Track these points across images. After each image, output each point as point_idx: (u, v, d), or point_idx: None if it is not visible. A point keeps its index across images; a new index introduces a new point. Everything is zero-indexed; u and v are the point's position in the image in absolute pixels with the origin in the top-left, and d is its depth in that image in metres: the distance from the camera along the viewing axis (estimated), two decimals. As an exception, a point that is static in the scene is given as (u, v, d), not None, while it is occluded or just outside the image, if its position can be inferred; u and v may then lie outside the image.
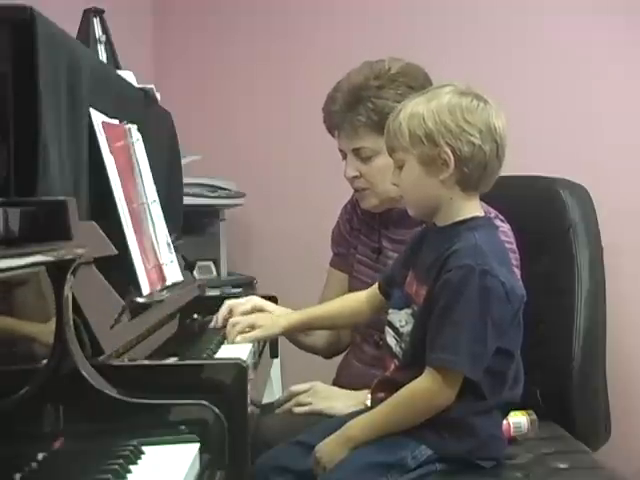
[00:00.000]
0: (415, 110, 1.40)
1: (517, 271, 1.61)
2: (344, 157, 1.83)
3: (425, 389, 1.36)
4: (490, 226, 1.47)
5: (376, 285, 1.63)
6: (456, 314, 1.33)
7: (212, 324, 1.74)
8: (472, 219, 1.42)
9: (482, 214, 1.45)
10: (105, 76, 1.61)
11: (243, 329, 1.61)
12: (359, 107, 1.75)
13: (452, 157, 1.37)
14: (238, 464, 1.15)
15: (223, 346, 1.58)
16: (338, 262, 2.00)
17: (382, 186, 1.77)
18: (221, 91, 2.94)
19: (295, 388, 1.80)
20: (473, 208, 1.43)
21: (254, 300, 1.75)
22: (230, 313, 1.71)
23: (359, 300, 1.67)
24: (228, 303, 1.74)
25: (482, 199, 1.48)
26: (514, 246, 1.70)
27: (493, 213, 1.70)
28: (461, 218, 1.42)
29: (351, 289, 1.91)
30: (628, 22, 2.64)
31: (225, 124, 2.93)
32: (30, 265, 0.96)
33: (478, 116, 1.38)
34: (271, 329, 1.65)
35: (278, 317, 1.70)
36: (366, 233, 1.92)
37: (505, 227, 1.72)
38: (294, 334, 1.88)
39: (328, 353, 2.05)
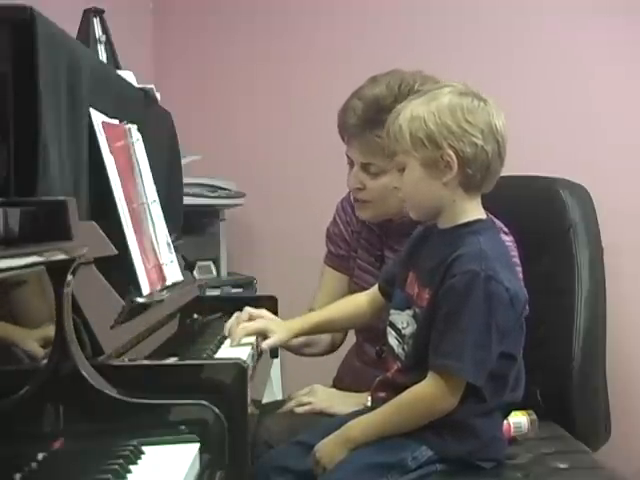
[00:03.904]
0: (415, 112, 1.39)
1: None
2: (350, 164, 1.79)
3: (428, 394, 1.35)
4: (493, 229, 1.47)
5: (376, 287, 1.63)
6: (461, 320, 1.33)
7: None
8: (475, 222, 1.41)
9: (484, 216, 1.44)
10: (105, 76, 1.61)
11: (249, 334, 1.58)
12: (378, 127, 1.62)
13: (455, 159, 1.36)
14: (238, 464, 1.15)
15: (223, 346, 1.58)
16: (338, 263, 1.97)
17: (383, 203, 1.75)
18: (221, 91, 2.94)
19: (295, 394, 1.80)
20: (476, 210, 1.43)
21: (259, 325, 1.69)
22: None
23: (360, 302, 1.66)
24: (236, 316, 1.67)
25: (482, 200, 1.48)
26: (517, 259, 1.68)
27: (497, 226, 1.68)
28: (464, 221, 1.41)
29: (351, 294, 1.91)
30: (628, 22, 2.64)
31: (225, 124, 2.93)
32: (30, 265, 0.96)
33: (479, 116, 1.37)
34: (280, 338, 1.59)
35: (287, 323, 1.66)
36: (367, 237, 1.90)
37: (508, 240, 1.70)
38: (294, 346, 1.85)
39: (326, 353, 2.04)
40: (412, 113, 1.39)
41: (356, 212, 1.86)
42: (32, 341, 1.06)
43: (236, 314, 1.65)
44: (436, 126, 1.37)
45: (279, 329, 1.60)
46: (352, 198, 1.85)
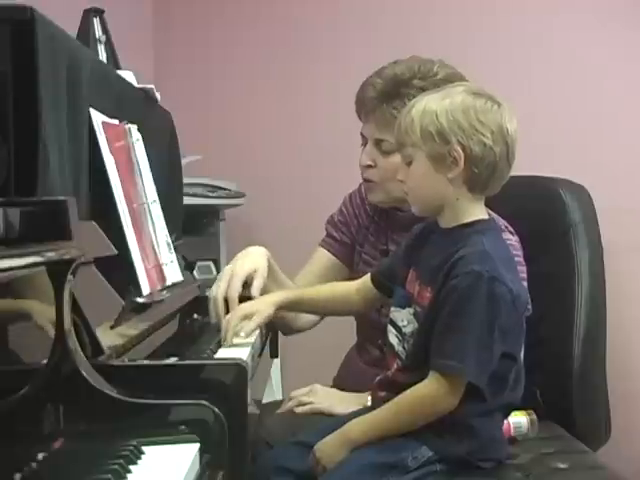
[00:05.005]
0: (428, 107, 1.40)
1: (524, 284, 1.60)
2: (364, 142, 1.81)
3: (429, 394, 1.35)
4: (496, 230, 1.47)
5: (367, 278, 1.62)
6: (463, 321, 1.33)
7: (212, 320, 1.71)
8: (479, 222, 1.42)
9: (487, 217, 1.45)
10: (105, 76, 1.61)
11: (238, 322, 1.57)
12: (395, 101, 1.71)
13: (462, 155, 1.37)
14: (238, 464, 1.15)
15: (223, 346, 1.58)
16: (335, 247, 1.96)
17: (391, 183, 1.74)
18: (221, 91, 2.94)
19: (295, 393, 1.80)
20: (478, 211, 1.43)
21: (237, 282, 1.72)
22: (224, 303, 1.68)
23: (349, 290, 1.65)
24: (217, 297, 1.70)
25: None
26: (522, 259, 1.69)
27: (502, 226, 1.69)
28: (467, 220, 1.41)
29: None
30: (628, 22, 2.64)
31: (225, 124, 2.93)
32: (30, 265, 0.96)
33: (491, 117, 1.38)
34: (266, 311, 1.58)
35: (267, 296, 1.66)
36: (374, 233, 1.91)
37: (513, 239, 1.70)
38: (283, 318, 1.84)
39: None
40: (425, 107, 1.40)
41: (367, 196, 1.87)
42: (32, 341, 1.06)
43: (211, 293, 1.70)
44: (447, 122, 1.38)
45: (259, 307, 1.59)
46: (362, 180, 1.85)
